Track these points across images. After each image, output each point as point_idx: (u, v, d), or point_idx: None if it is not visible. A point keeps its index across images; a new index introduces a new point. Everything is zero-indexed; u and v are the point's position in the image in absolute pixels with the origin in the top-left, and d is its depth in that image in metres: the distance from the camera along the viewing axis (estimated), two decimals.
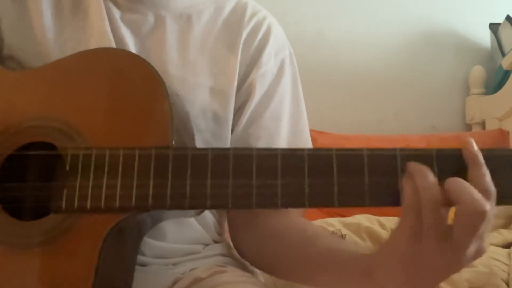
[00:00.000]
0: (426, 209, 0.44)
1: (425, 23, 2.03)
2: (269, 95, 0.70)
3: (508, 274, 1.01)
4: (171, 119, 0.52)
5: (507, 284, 0.99)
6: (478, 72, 1.97)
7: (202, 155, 0.48)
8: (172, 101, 0.54)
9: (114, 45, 0.64)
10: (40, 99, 0.56)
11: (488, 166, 0.45)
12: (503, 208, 1.23)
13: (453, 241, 0.44)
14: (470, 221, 0.43)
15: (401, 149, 0.47)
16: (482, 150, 0.46)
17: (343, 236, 1.17)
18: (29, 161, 0.54)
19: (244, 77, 0.69)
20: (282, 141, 0.68)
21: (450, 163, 0.46)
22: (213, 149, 0.49)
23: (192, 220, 0.67)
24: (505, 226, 1.22)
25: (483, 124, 1.94)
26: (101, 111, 0.54)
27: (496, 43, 1.95)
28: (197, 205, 0.48)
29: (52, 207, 0.50)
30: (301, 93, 0.74)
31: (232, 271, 0.66)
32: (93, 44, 0.63)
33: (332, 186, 0.47)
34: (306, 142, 0.71)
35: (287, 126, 0.70)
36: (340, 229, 1.20)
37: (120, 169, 0.49)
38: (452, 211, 0.44)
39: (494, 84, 1.91)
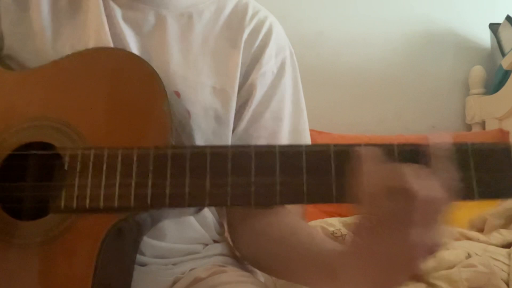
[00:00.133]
0: (379, 199, 0.43)
1: (425, 23, 2.03)
2: (269, 95, 0.70)
3: (508, 274, 1.01)
4: (170, 118, 0.52)
5: (507, 284, 0.98)
6: (478, 72, 1.97)
7: (200, 153, 0.48)
8: (172, 101, 0.54)
9: (112, 45, 0.64)
10: (39, 99, 0.56)
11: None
12: (503, 208, 1.23)
13: (409, 231, 0.43)
14: (423, 209, 0.42)
15: (399, 144, 0.46)
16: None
17: (342, 236, 1.17)
18: (28, 161, 0.54)
19: (245, 77, 0.69)
20: (284, 141, 0.68)
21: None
22: (211, 147, 0.49)
23: (192, 219, 0.67)
24: (505, 226, 1.22)
25: (483, 124, 1.94)
26: (100, 111, 0.54)
27: (496, 43, 1.95)
28: (196, 203, 0.48)
29: (51, 207, 0.50)
30: (302, 93, 0.74)
31: (232, 271, 0.66)
32: (92, 43, 0.63)
33: (330, 182, 0.46)
34: (306, 142, 0.71)
35: (288, 126, 0.70)
36: (340, 229, 1.19)
37: (119, 169, 0.49)
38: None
39: (494, 84, 1.91)
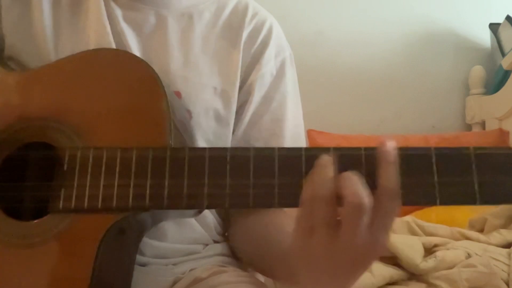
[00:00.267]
0: (317, 203, 0.44)
1: (425, 23, 2.02)
2: (269, 97, 0.70)
3: (508, 274, 1.01)
4: (169, 119, 0.52)
5: (507, 284, 0.98)
6: (478, 72, 1.97)
7: (199, 155, 0.48)
8: (171, 102, 0.54)
9: (113, 45, 0.64)
10: (39, 100, 0.56)
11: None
12: (503, 208, 1.23)
13: (340, 235, 0.44)
14: (351, 214, 0.43)
15: (401, 148, 0.46)
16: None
17: None
18: (28, 161, 0.54)
19: (245, 77, 0.69)
20: (285, 143, 0.69)
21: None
22: (210, 149, 0.49)
23: (192, 220, 0.67)
24: (505, 226, 1.22)
25: (483, 124, 1.94)
26: (100, 111, 0.54)
27: (496, 43, 1.95)
28: (194, 205, 0.48)
29: (50, 207, 0.50)
30: (299, 95, 0.74)
31: (232, 271, 0.66)
32: (92, 44, 0.63)
33: None
34: (303, 145, 0.72)
35: (289, 128, 0.70)
36: None
37: (118, 169, 0.49)
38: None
39: (494, 84, 1.91)
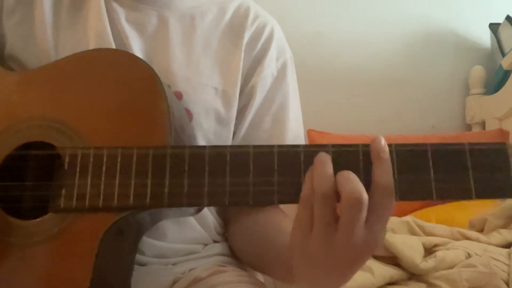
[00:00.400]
0: (316, 200, 0.44)
1: (425, 23, 2.03)
2: (270, 98, 0.70)
3: (508, 274, 1.01)
4: (169, 118, 0.52)
5: (507, 284, 0.98)
6: (478, 72, 1.97)
7: (199, 153, 0.48)
8: (171, 102, 0.54)
9: (113, 45, 0.64)
10: (39, 99, 0.56)
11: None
12: (503, 208, 1.23)
13: (338, 231, 0.44)
14: (348, 209, 0.43)
15: (396, 145, 0.47)
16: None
17: None
18: (28, 161, 0.54)
19: (247, 80, 0.70)
20: (287, 144, 0.69)
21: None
22: (210, 147, 0.49)
23: (192, 220, 0.67)
24: (505, 226, 1.22)
25: (483, 124, 1.94)
26: (100, 111, 0.54)
27: (496, 43, 1.95)
28: (194, 202, 0.48)
29: (51, 206, 0.50)
30: (299, 97, 0.75)
31: (231, 271, 0.66)
32: (92, 44, 0.63)
33: None
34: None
35: (290, 129, 0.71)
36: None
37: (118, 169, 0.49)
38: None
39: (494, 84, 1.91)
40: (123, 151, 0.50)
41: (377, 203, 0.44)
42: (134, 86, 0.55)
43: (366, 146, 0.47)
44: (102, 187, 0.49)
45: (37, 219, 0.51)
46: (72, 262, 0.49)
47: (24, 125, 0.54)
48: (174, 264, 0.66)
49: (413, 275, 1.05)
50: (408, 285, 1.03)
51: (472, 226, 1.27)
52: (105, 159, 0.50)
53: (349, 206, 0.43)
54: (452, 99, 2.02)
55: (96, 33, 0.64)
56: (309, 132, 1.71)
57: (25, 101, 0.56)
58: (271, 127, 0.69)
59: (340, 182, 0.44)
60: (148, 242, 0.63)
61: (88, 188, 0.49)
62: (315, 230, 0.45)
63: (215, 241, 0.71)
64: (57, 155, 0.51)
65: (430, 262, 1.03)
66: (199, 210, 0.61)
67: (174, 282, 0.65)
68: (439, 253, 1.06)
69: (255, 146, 0.48)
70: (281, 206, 0.65)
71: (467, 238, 1.18)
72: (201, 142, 0.65)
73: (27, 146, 0.53)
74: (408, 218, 1.23)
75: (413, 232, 1.19)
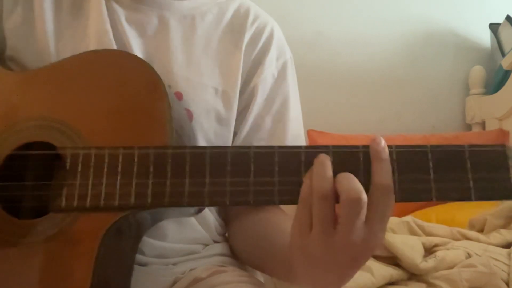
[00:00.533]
0: (315, 200, 0.45)
1: (425, 23, 2.03)
2: (271, 99, 0.71)
3: (508, 274, 1.01)
4: (170, 119, 0.52)
5: (507, 284, 0.98)
6: (478, 72, 1.97)
7: (200, 153, 0.48)
8: (172, 103, 0.54)
9: (114, 46, 0.64)
10: (39, 100, 0.56)
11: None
12: (503, 208, 1.23)
13: (337, 231, 0.44)
14: (348, 208, 0.44)
15: (397, 146, 0.47)
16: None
17: None
18: (29, 161, 0.54)
19: (247, 80, 0.70)
20: (287, 144, 0.69)
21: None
22: (211, 147, 0.49)
23: (193, 220, 0.67)
24: (505, 226, 1.22)
25: (483, 124, 1.94)
26: (100, 111, 0.54)
27: (496, 43, 1.95)
28: (195, 202, 0.48)
29: (52, 206, 0.50)
30: (299, 98, 0.75)
31: (232, 271, 0.66)
32: (93, 45, 0.63)
33: None
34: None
35: (291, 129, 0.71)
36: None
37: (120, 168, 0.49)
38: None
39: (494, 84, 1.91)
40: (125, 151, 0.50)
41: (376, 203, 0.44)
42: (135, 86, 0.55)
43: (367, 147, 0.47)
44: (103, 186, 0.49)
45: (38, 219, 0.51)
46: (72, 262, 0.49)
47: (25, 125, 0.54)
48: (174, 264, 0.66)
49: (413, 275, 1.05)
50: (408, 285, 1.03)
51: (472, 226, 1.27)
52: (106, 159, 0.50)
53: (348, 206, 0.44)
54: (452, 99, 2.02)
55: (96, 34, 0.64)
56: (309, 132, 1.71)
57: (25, 101, 0.56)
58: (271, 127, 0.70)
59: (339, 182, 0.44)
60: (148, 242, 0.63)
61: (90, 187, 0.49)
62: (314, 230, 0.45)
63: (215, 242, 0.71)
64: (58, 155, 0.51)
65: (430, 262, 1.03)
66: (200, 211, 0.61)
67: (174, 282, 0.65)
68: (439, 253, 1.06)
69: (255, 147, 0.48)
70: (282, 206, 0.66)
71: (467, 238, 1.18)
72: (201, 142, 0.65)
73: (28, 146, 0.53)
74: (408, 218, 1.23)
75: (413, 232, 1.19)
